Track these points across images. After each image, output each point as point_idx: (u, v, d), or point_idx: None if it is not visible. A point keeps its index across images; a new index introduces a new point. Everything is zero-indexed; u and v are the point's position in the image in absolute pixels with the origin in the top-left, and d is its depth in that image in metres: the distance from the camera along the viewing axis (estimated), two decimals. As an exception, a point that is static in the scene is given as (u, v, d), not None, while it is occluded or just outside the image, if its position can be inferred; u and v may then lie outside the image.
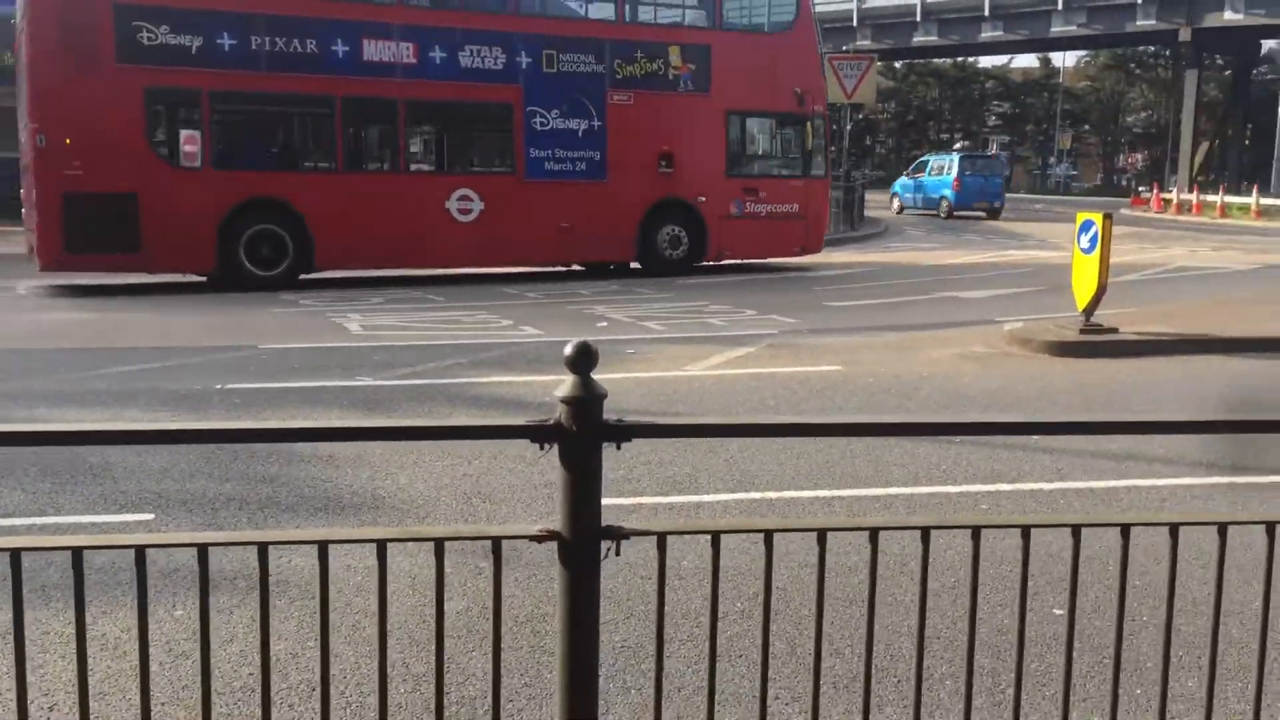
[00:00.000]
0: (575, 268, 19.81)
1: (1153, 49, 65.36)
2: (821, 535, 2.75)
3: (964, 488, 6.58)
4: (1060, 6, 51.98)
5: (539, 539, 2.56)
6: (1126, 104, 77.17)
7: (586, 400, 2.47)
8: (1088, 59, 74.85)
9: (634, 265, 19.41)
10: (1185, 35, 48.89)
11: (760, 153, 20.39)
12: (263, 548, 2.50)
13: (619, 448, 2.58)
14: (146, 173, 15.59)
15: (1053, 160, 74.98)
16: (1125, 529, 2.77)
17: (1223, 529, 2.75)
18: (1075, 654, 4.16)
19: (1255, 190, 40.57)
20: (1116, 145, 79.58)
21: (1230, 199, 40.41)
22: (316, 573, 2.54)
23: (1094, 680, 4.04)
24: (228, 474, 6.66)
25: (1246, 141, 57.70)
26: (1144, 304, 14.42)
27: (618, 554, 2.58)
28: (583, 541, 2.52)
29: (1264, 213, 37.88)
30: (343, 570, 5.10)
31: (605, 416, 2.55)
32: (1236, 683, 4.02)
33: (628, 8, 18.69)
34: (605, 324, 13.25)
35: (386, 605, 2.59)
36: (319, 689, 2.60)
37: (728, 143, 19.42)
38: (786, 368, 10.43)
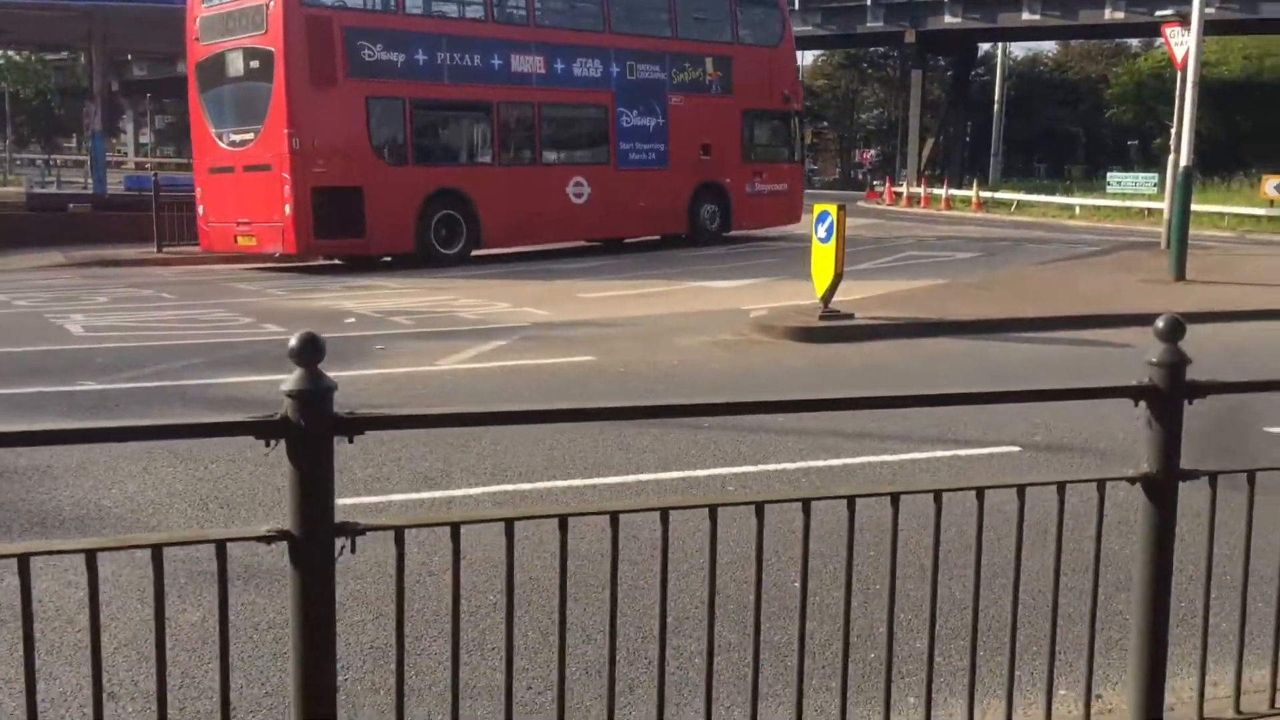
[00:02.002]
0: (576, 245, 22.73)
1: (882, 50, 69.09)
2: (563, 521, 2.75)
3: (712, 471, 6.75)
4: (797, 7, 54.19)
5: (267, 539, 2.44)
6: (860, 101, 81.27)
7: (313, 393, 2.37)
8: (823, 58, 78.39)
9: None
10: (910, 37, 51.93)
11: (762, 142, 24.76)
12: (-50, 565, 2.28)
13: (351, 441, 2.50)
14: (369, 169, 18.55)
15: (794, 155, 77.93)
16: (851, 501, 2.88)
17: (938, 496, 2.91)
18: (815, 624, 4.34)
19: (975, 184, 43.57)
20: (853, 141, 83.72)
21: (954, 192, 43.22)
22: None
23: (832, 647, 4.21)
24: (-70, 490, 6.09)
25: (967, 138, 61.86)
26: (878, 290, 15.21)
27: (353, 551, 2.49)
28: (314, 539, 2.42)
29: (983, 204, 40.74)
30: (63, 587, 4.75)
31: (337, 410, 2.46)
32: (959, 641, 4.28)
33: (679, 26, 22.91)
34: (353, 320, 12.89)
35: (99, 620, 2.41)
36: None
37: (743, 135, 23.95)
38: (540, 359, 10.44)
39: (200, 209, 19.90)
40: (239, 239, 19.09)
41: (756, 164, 24.32)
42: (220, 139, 19.31)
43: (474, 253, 20.14)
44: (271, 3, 17.88)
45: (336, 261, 20.12)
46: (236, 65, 18.85)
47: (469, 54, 19.87)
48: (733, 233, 24.18)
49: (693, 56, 22.94)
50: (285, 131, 17.81)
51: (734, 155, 23.72)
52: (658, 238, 23.36)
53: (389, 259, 19.50)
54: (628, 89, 21.93)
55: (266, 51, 18.07)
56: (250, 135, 18.60)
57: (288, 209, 17.90)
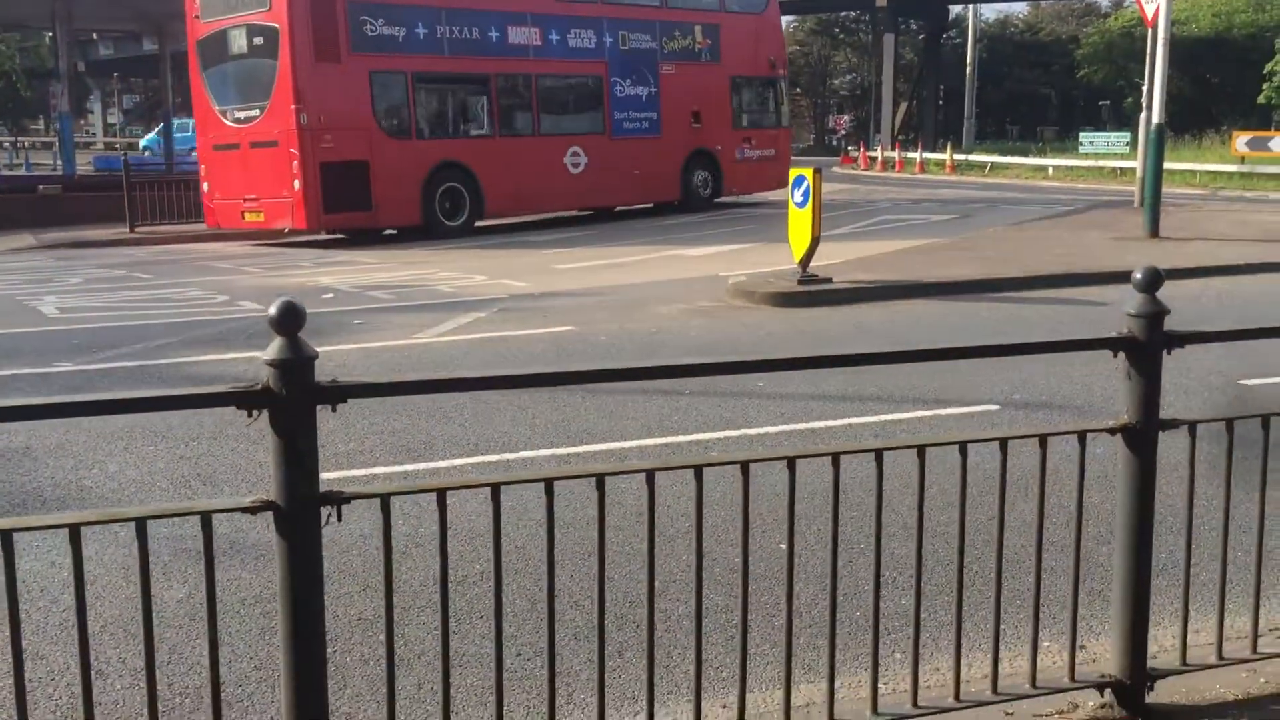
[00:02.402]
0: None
1: (854, 14, 68.88)
2: (549, 485, 2.75)
3: (694, 436, 6.76)
4: (768, -27, 53.85)
5: (252, 510, 2.43)
6: (833, 67, 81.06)
7: (295, 362, 2.36)
8: (795, 23, 78.10)
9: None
10: (882, 2, 51.77)
11: (751, 109, 25.05)
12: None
13: (334, 409, 2.49)
14: (374, 143, 18.70)
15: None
16: (835, 458, 2.89)
17: (921, 451, 2.92)
18: (802, 584, 4.37)
19: (949, 147, 43.58)
20: (826, 107, 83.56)
21: (928, 155, 43.23)
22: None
23: (818, 607, 4.24)
24: (-93, 475, 6.04)
25: (940, 102, 61.83)
26: (855, 254, 15.23)
27: (339, 520, 2.49)
28: (300, 509, 2.41)
29: (957, 167, 40.79)
30: (46, 567, 4.73)
31: (318, 379, 2.45)
32: (944, 597, 4.31)
33: None
34: (331, 295, 12.82)
35: (85, 596, 2.40)
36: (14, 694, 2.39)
37: (732, 102, 24.30)
38: (520, 330, 10.41)
39: (205, 186, 19.87)
40: (246, 215, 19.10)
41: (745, 130, 24.68)
42: (224, 116, 19.31)
43: (478, 223, 20.42)
44: None
45: (339, 236, 20.03)
46: (240, 42, 18.83)
47: (467, 27, 20.12)
48: (722, 198, 24.53)
49: (682, 25, 23.29)
50: (292, 107, 17.92)
51: (724, 122, 24.08)
52: (650, 205, 23.64)
53: (394, 231, 19.74)
54: (621, 59, 22.25)
55: (271, 28, 18.10)
56: (256, 112, 18.66)
57: (297, 184, 18.07)
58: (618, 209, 23.44)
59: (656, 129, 22.94)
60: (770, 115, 25.64)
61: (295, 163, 18.00)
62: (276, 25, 18.01)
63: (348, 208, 18.47)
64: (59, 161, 30.65)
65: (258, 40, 18.49)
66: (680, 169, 23.46)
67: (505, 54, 20.65)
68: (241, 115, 19.00)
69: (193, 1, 19.71)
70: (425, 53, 19.53)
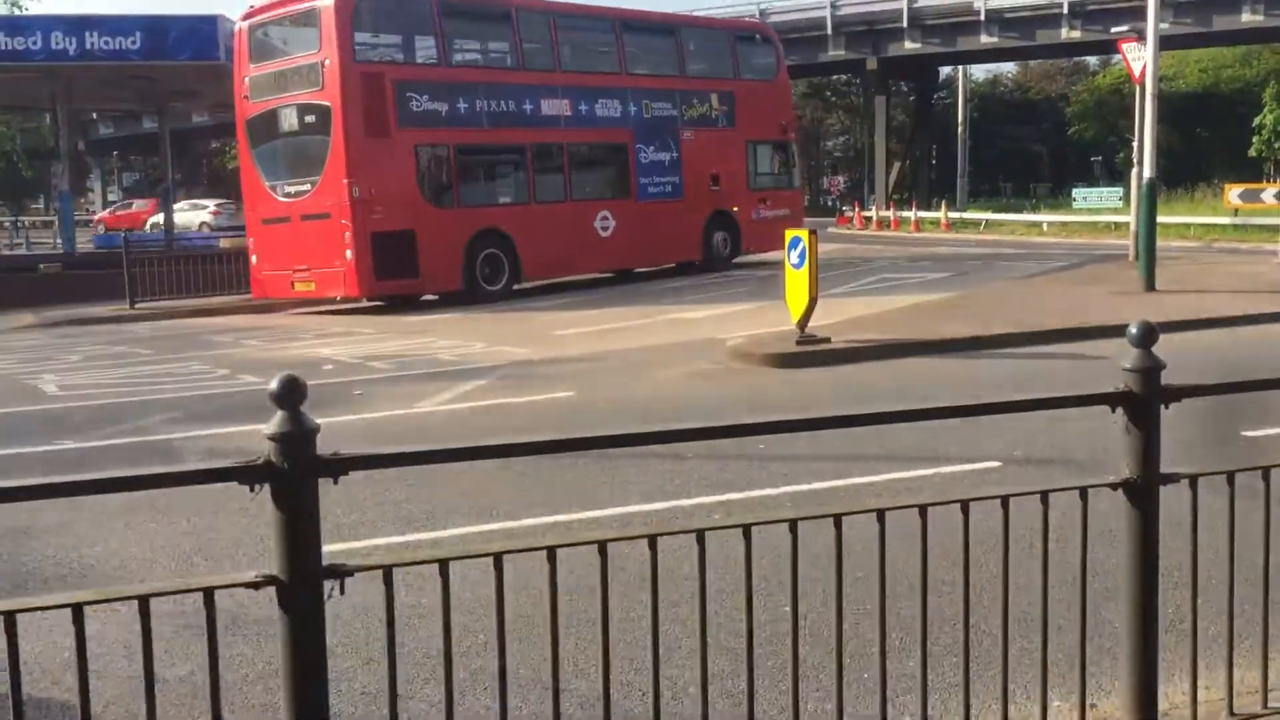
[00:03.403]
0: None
1: (845, 77, 69.74)
2: (551, 553, 2.75)
3: (698, 500, 6.75)
4: (759, 40, 54.59)
5: (255, 585, 2.43)
6: (826, 129, 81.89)
7: (296, 435, 2.37)
8: (787, 88, 78.83)
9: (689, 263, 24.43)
10: (872, 64, 52.45)
11: (763, 171, 26.02)
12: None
13: (336, 481, 2.49)
14: (420, 213, 19.49)
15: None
16: (837, 519, 2.89)
17: (923, 510, 2.92)
18: (807, 648, 4.34)
19: (944, 205, 43.93)
20: (820, 168, 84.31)
21: (923, 214, 43.57)
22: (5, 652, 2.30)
23: (825, 670, 4.20)
24: (-92, 557, 6.01)
25: (933, 161, 62.43)
26: (853, 313, 15.29)
27: (342, 593, 2.48)
28: (302, 583, 2.41)
29: (951, 225, 41.08)
30: (47, 648, 4.70)
31: (320, 451, 2.46)
32: (951, 657, 4.28)
33: (687, 65, 24.44)
34: (331, 367, 12.85)
35: (88, 677, 2.39)
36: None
37: (747, 164, 25.34)
38: (520, 397, 10.42)
39: (253, 259, 20.59)
40: (296, 285, 19.79)
41: (761, 192, 25.67)
42: (274, 190, 19.99)
43: (515, 286, 21.23)
44: (327, 60, 18.76)
45: (346, 305, 20.36)
46: (291, 120, 19.69)
47: (504, 100, 21.20)
48: (742, 258, 25.37)
49: (700, 93, 24.46)
50: (345, 181, 18.70)
51: (741, 184, 25.12)
52: (673, 265, 24.62)
53: (435, 297, 20.43)
54: (644, 126, 23.27)
55: (324, 107, 18.95)
56: (307, 186, 19.41)
57: (349, 254, 18.81)
58: (637, 270, 24.22)
59: (679, 192, 23.91)
60: (783, 176, 26.63)
61: (348, 233, 18.76)
62: (329, 104, 18.84)
63: (396, 275, 19.26)
64: (59, 240, 30.87)
65: (309, 118, 19.35)
66: (702, 230, 24.38)
67: (539, 125, 21.57)
68: (292, 189, 19.72)
69: (241, 83, 20.50)
70: (466, 126, 20.49)
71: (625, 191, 23.14)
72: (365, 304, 20.13)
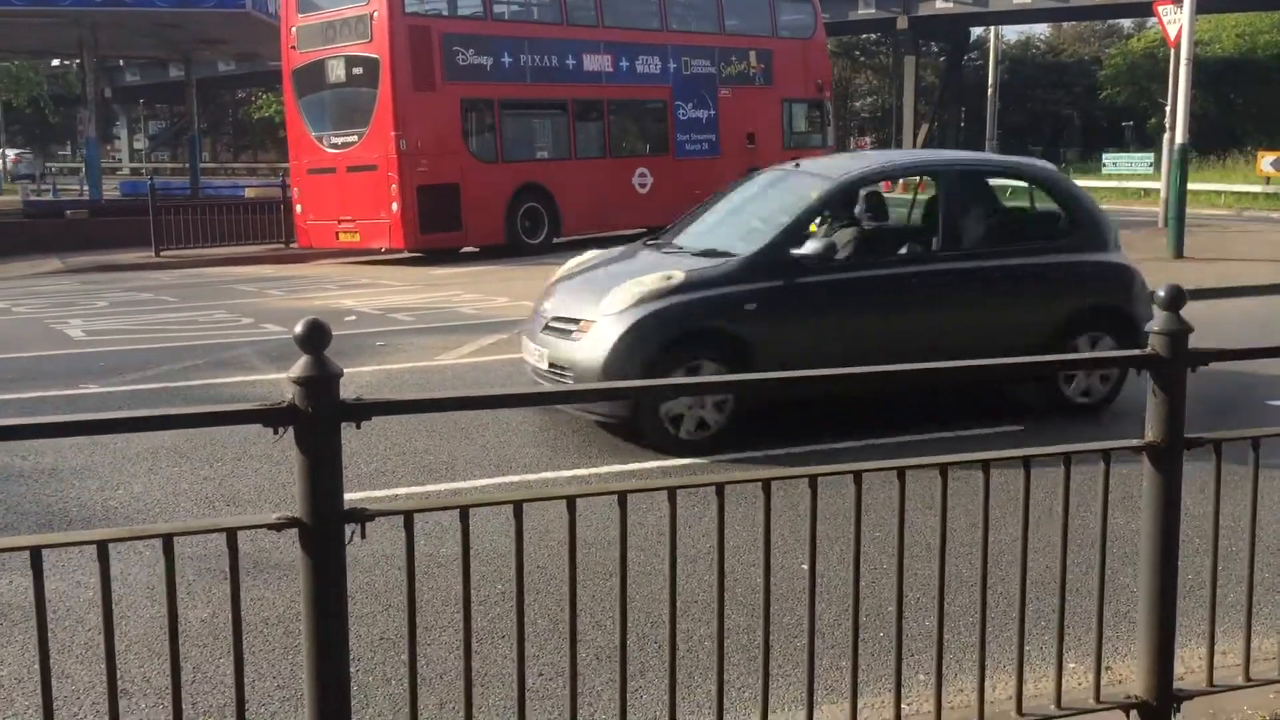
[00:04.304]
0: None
1: (875, 36, 68.99)
2: (571, 502, 2.75)
3: (715, 456, 6.75)
4: (789, -4, 54.01)
5: (277, 526, 2.45)
6: (854, 90, 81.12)
7: (320, 379, 2.38)
8: (816, 47, 78.00)
9: None
10: (903, 23, 51.83)
11: (799, 130, 25.90)
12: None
13: (359, 426, 2.50)
14: (464, 167, 19.69)
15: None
16: (858, 475, 2.89)
17: (944, 470, 2.91)
18: (824, 605, 4.35)
19: (971, 168, 43.44)
20: (848, 129, 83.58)
21: (949, 177, 43.10)
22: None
23: (841, 627, 4.22)
24: (-64, 495, 6.10)
25: (962, 123, 61.78)
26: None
27: (363, 537, 2.49)
28: (325, 526, 2.42)
29: (979, 189, 40.69)
30: (72, 587, 4.77)
31: (343, 397, 2.47)
32: (968, 618, 4.29)
33: (726, 22, 24.21)
34: (353, 317, 12.89)
35: (112, 613, 2.42)
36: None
37: (782, 123, 25.15)
38: (541, 352, 10.41)
39: (298, 208, 20.70)
40: (340, 235, 19.95)
41: (794, 150, 25.57)
42: (320, 141, 20.10)
43: (555, 240, 21.28)
44: (376, 13, 18.75)
45: (416, 255, 20.45)
46: (339, 72, 19.70)
47: (547, 55, 21.27)
48: None
49: (738, 51, 24.34)
50: (392, 134, 18.84)
51: (775, 143, 24.80)
52: None
53: (476, 250, 20.56)
54: (683, 83, 23.31)
55: (372, 59, 19.01)
56: (354, 138, 19.55)
57: (395, 206, 18.98)
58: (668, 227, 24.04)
59: (715, 150, 23.92)
60: (815, 136, 26.59)
61: (394, 185, 18.90)
62: (377, 56, 18.90)
63: (441, 228, 19.48)
64: (85, 186, 30.95)
65: (357, 70, 19.38)
66: None
67: (581, 80, 21.67)
68: (338, 141, 19.86)
69: (289, 32, 20.47)
70: (510, 80, 20.58)
71: (663, 148, 23.25)
72: (389, 255, 20.19)
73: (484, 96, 20.23)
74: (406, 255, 20.19)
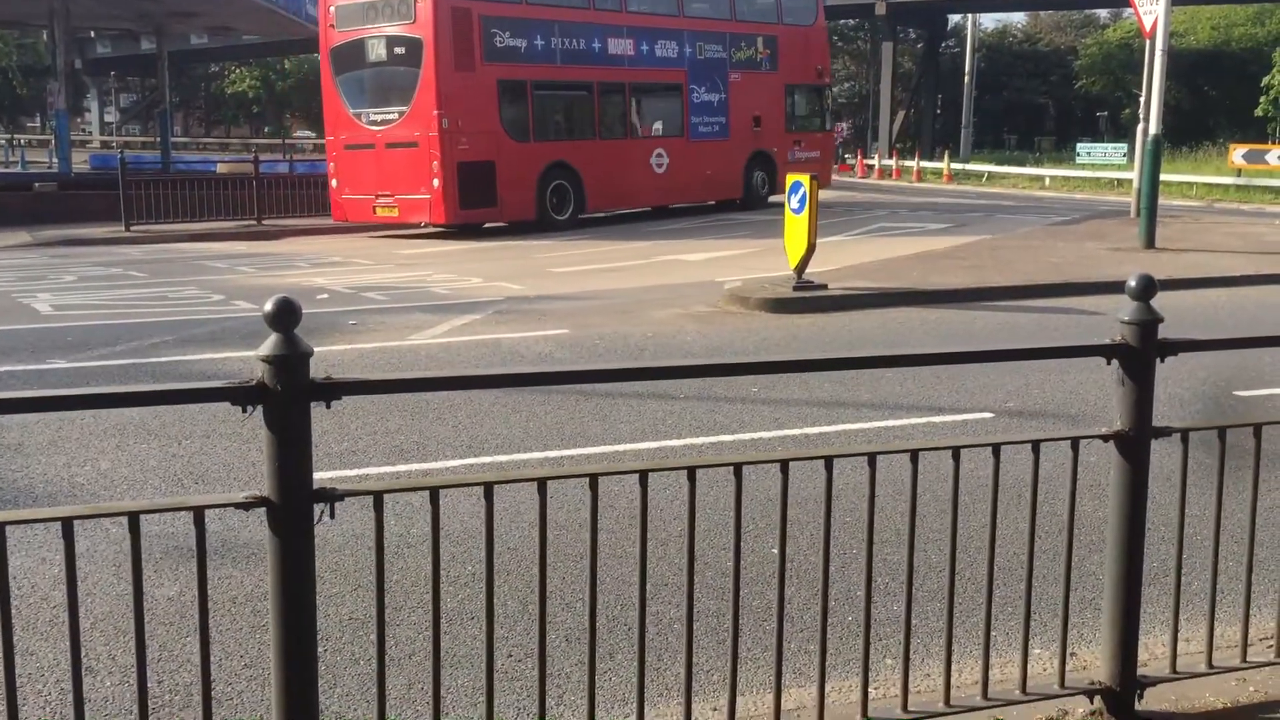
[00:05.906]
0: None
1: (853, 22, 68.97)
2: (542, 484, 2.75)
3: (688, 440, 6.76)
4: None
5: (246, 505, 2.43)
6: (832, 75, 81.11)
7: (290, 358, 2.36)
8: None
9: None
10: (881, 9, 51.82)
11: (800, 114, 26.92)
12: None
13: (329, 406, 2.48)
14: (500, 145, 20.40)
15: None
16: (828, 461, 2.90)
17: (914, 455, 2.93)
18: (793, 589, 4.38)
19: (946, 156, 43.65)
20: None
21: (925, 164, 43.28)
22: (-7, 561, 2.31)
23: (810, 611, 4.24)
24: (-101, 470, 6.02)
25: (938, 111, 61.89)
26: (851, 261, 15.24)
27: (332, 517, 2.48)
28: (293, 505, 2.41)
29: (954, 176, 40.85)
30: (37, 564, 4.73)
31: (313, 376, 2.45)
32: (936, 603, 4.32)
33: (737, 9, 25.03)
34: (325, 296, 12.81)
35: (77, 591, 2.40)
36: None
37: (786, 107, 26.20)
38: (515, 333, 10.41)
39: (333, 182, 21.16)
40: (378, 210, 20.47)
41: (796, 134, 26.54)
42: (359, 118, 20.59)
43: (580, 216, 22.06)
44: None
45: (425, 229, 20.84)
46: (379, 51, 20.22)
47: (576, 38, 22.09)
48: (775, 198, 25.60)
49: (747, 36, 25.26)
50: (435, 113, 19.48)
51: (779, 126, 25.99)
52: (713, 203, 25.53)
53: (503, 225, 21.13)
54: (697, 67, 24.17)
55: (415, 40, 19.58)
56: (394, 115, 20.09)
57: (436, 183, 19.60)
58: (673, 206, 25.06)
59: (725, 132, 24.78)
60: (816, 120, 27.55)
61: (435, 163, 19.52)
62: (420, 37, 19.49)
63: (478, 204, 20.17)
64: (55, 159, 30.59)
65: (399, 50, 19.92)
66: (743, 170, 25.32)
67: (606, 63, 22.51)
68: (378, 118, 20.35)
69: (327, 11, 20.92)
70: (542, 62, 21.36)
71: (678, 130, 24.03)
72: (353, 228, 20.67)
73: (518, 77, 20.84)
74: (373, 232, 20.25)
